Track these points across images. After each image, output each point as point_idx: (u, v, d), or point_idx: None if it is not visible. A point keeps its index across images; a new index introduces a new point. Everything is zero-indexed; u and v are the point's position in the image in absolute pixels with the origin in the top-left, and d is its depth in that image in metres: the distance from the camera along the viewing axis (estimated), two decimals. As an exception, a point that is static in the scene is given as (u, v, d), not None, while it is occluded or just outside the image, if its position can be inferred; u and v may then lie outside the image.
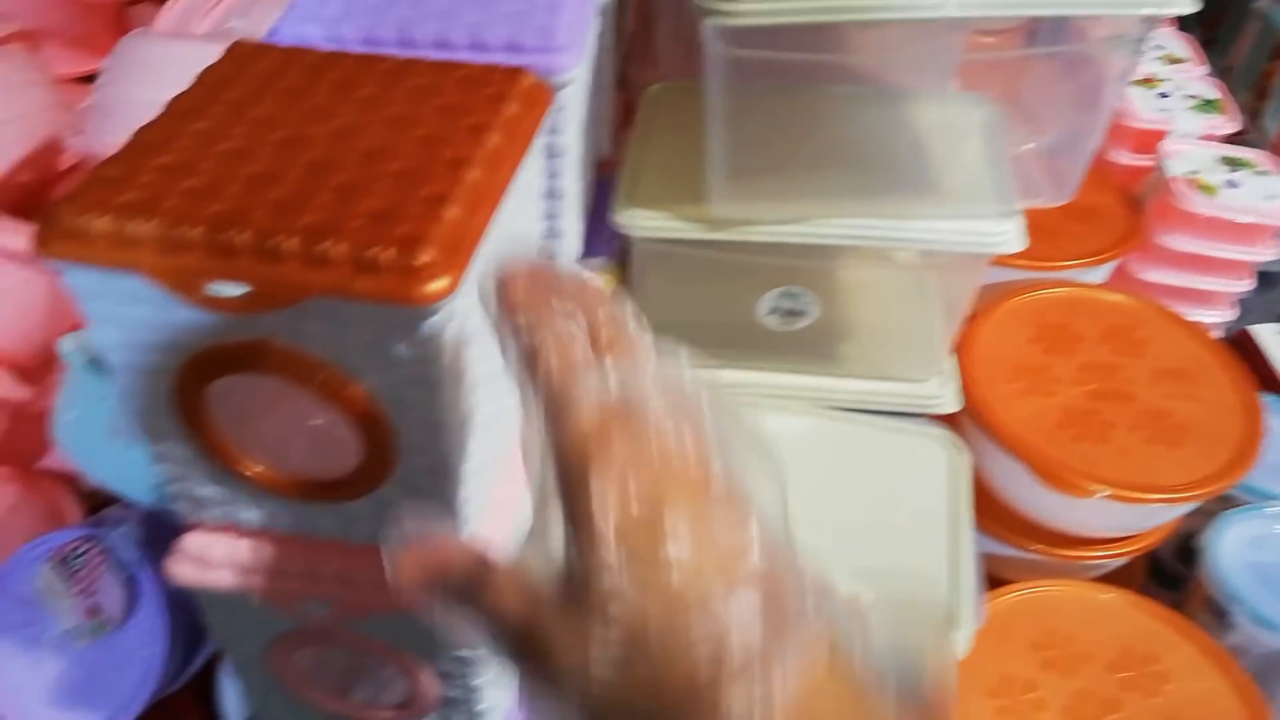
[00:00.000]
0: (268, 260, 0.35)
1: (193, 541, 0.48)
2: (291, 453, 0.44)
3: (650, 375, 0.30)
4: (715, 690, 0.26)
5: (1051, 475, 0.69)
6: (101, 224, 0.36)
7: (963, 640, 0.54)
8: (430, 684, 0.52)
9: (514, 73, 0.46)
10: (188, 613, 0.70)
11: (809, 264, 0.67)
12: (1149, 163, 1.00)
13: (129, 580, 0.67)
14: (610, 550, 0.27)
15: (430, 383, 0.39)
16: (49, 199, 1.00)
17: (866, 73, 0.75)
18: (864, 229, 0.62)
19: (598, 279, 0.44)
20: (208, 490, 0.45)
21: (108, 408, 0.70)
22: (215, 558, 0.47)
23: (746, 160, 0.63)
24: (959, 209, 0.63)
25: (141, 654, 0.67)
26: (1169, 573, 0.81)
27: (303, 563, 0.47)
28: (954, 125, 0.71)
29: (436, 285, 0.35)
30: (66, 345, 0.73)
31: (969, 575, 0.58)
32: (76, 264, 0.37)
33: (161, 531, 0.72)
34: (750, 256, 0.66)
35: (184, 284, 0.36)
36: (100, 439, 0.71)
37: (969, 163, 0.67)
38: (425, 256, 0.35)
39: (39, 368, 0.86)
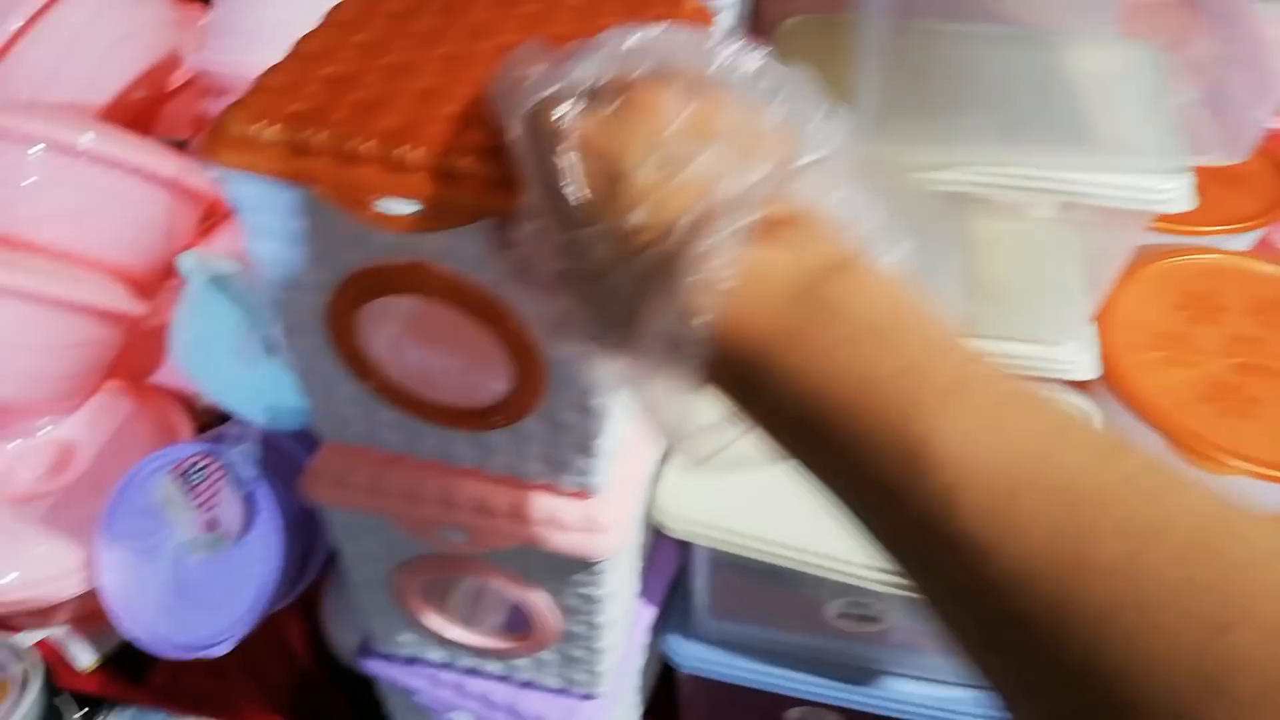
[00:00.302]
0: (444, 179, 0.34)
1: (331, 461, 0.48)
2: (437, 379, 0.43)
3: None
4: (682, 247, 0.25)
5: (1191, 449, 0.66)
6: (273, 133, 0.35)
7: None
8: (554, 618, 0.52)
9: (675, -5, 0.44)
10: (301, 532, 0.71)
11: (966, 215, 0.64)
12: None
13: (247, 497, 0.68)
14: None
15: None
16: (160, 115, 1.01)
17: (1019, 11, 0.70)
18: (1019, 178, 0.59)
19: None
20: (351, 411, 0.45)
21: (229, 327, 0.71)
22: (353, 479, 0.47)
23: (897, 100, 0.60)
24: (1120, 161, 0.59)
25: (256, 570, 0.68)
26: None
27: (441, 489, 0.46)
28: (1114, 71, 0.67)
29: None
30: (186, 262, 0.74)
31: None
32: (244, 173, 0.36)
33: (277, 452, 0.73)
34: (890, 202, 0.63)
35: (354, 199, 0.35)
36: (219, 358, 0.72)
37: (1130, 112, 0.63)
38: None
39: (153, 283, 0.87)
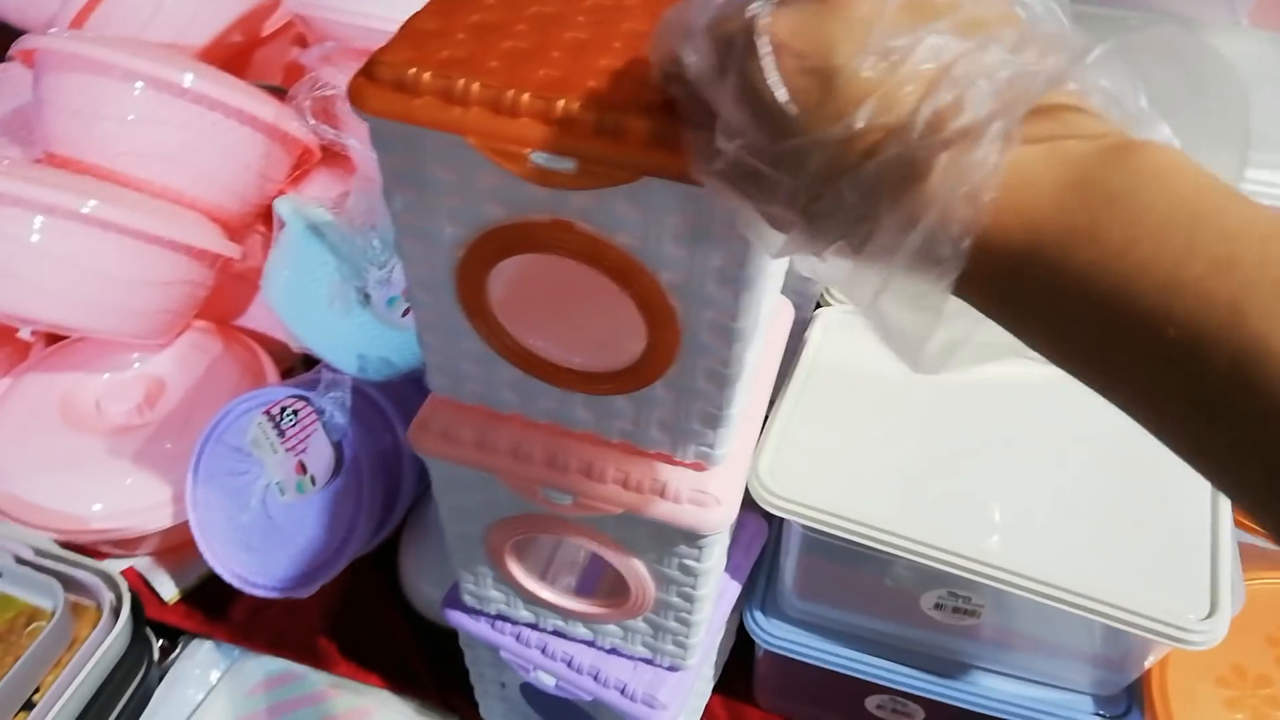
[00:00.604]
0: (605, 135, 0.32)
1: (440, 414, 0.47)
2: (563, 340, 0.42)
3: None
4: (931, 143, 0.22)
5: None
6: (426, 81, 0.34)
7: (1223, 625, 0.50)
8: (650, 587, 0.51)
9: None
10: (386, 481, 0.72)
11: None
12: None
13: (336, 444, 0.69)
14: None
15: (740, 282, 0.36)
16: (252, 60, 1.01)
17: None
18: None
19: None
20: (469, 369, 0.44)
21: (323, 275, 0.71)
22: (462, 434, 0.47)
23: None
24: (1270, 157, 0.56)
25: (344, 516, 0.69)
26: None
27: (551, 451, 0.46)
28: (1248, 64, 0.63)
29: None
30: (283, 207, 0.74)
31: (1229, 555, 0.53)
32: (396, 122, 0.35)
33: (364, 399, 0.73)
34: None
35: (509, 152, 0.33)
36: (313, 305, 0.72)
37: (1268, 106, 0.60)
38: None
39: (244, 227, 0.88)
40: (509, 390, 0.45)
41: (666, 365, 0.40)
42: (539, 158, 0.33)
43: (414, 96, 0.34)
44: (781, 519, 0.56)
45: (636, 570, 0.50)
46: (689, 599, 0.51)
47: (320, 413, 0.69)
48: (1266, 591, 0.63)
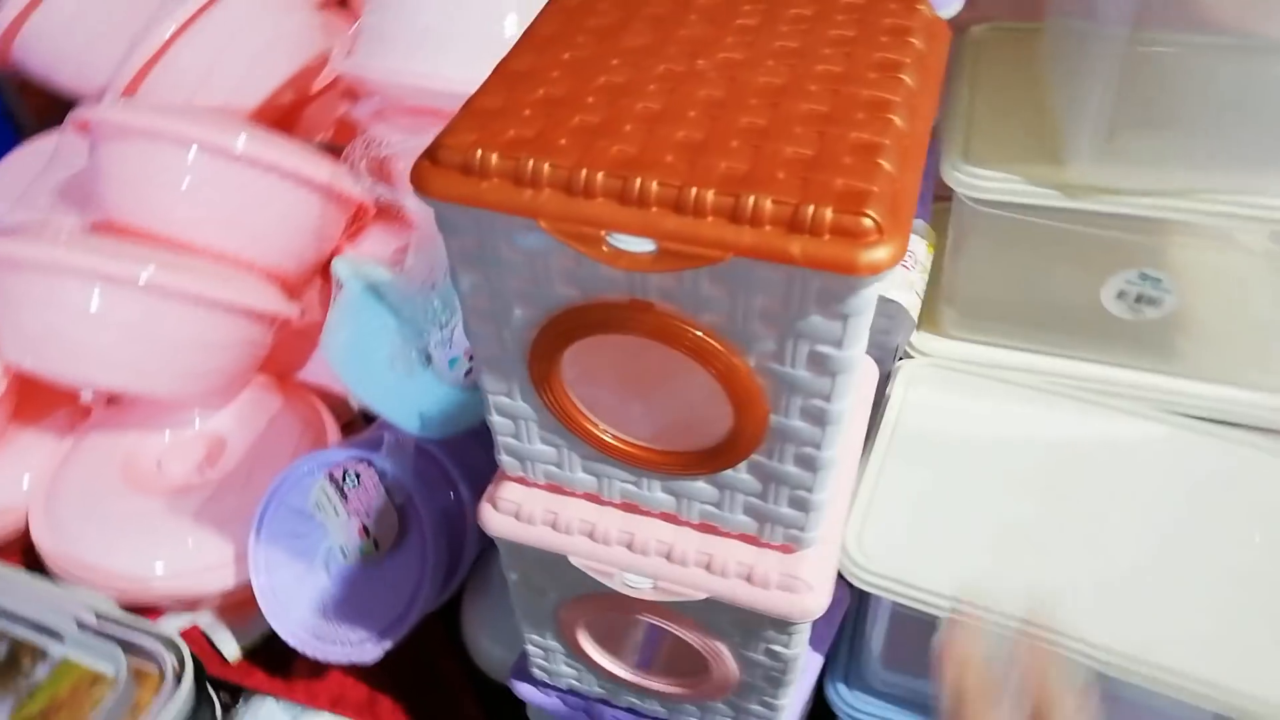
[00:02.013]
0: (687, 214, 0.30)
1: (512, 495, 0.45)
2: (638, 420, 0.40)
3: None
4: None
5: None
6: (493, 163, 0.32)
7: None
8: (733, 669, 0.48)
9: (910, 3, 0.40)
10: (450, 541, 0.70)
11: (1175, 243, 0.58)
12: None
13: (400, 508, 0.67)
14: None
15: (837, 364, 0.33)
16: (302, 116, 1.01)
17: (1242, 21, 0.63)
18: (1257, 206, 0.53)
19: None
20: (541, 448, 0.42)
21: (383, 334, 0.69)
22: (535, 515, 0.44)
23: (1121, 118, 0.54)
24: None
25: (409, 581, 0.67)
26: None
27: (629, 534, 0.43)
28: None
29: (880, 253, 0.29)
30: (341, 269, 0.72)
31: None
32: (463, 206, 0.33)
33: (426, 459, 0.71)
34: (1106, 230, 0.57)
35: (584, 235, 0.31)
36: (373, 366, 0.70)
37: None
38: (870, 217, 0.29)
39: (302, 284, 0.87)
40: (583, 471, 0.43)
41: (753, 447, 0.38)
42: (616, 240, 0.31)
43: (482, 179, 0.32)
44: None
45: (719, 653, 0.48)
46: (776, 684, 0.48)
47: (383, 475, 0.67)
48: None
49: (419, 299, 0.70)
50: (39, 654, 0.70)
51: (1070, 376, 0.62)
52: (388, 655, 0.77)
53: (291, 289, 0.85)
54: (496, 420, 0.42)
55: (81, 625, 0.68)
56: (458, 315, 0.68)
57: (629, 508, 0.44)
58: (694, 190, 0.30)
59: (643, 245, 0.31)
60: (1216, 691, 0.47)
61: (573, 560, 0.44)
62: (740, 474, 0.39)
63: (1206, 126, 0.54)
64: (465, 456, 0.75)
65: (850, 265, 0.29)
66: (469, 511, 0.72)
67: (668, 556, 0.43)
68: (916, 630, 0.58)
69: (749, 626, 0.45)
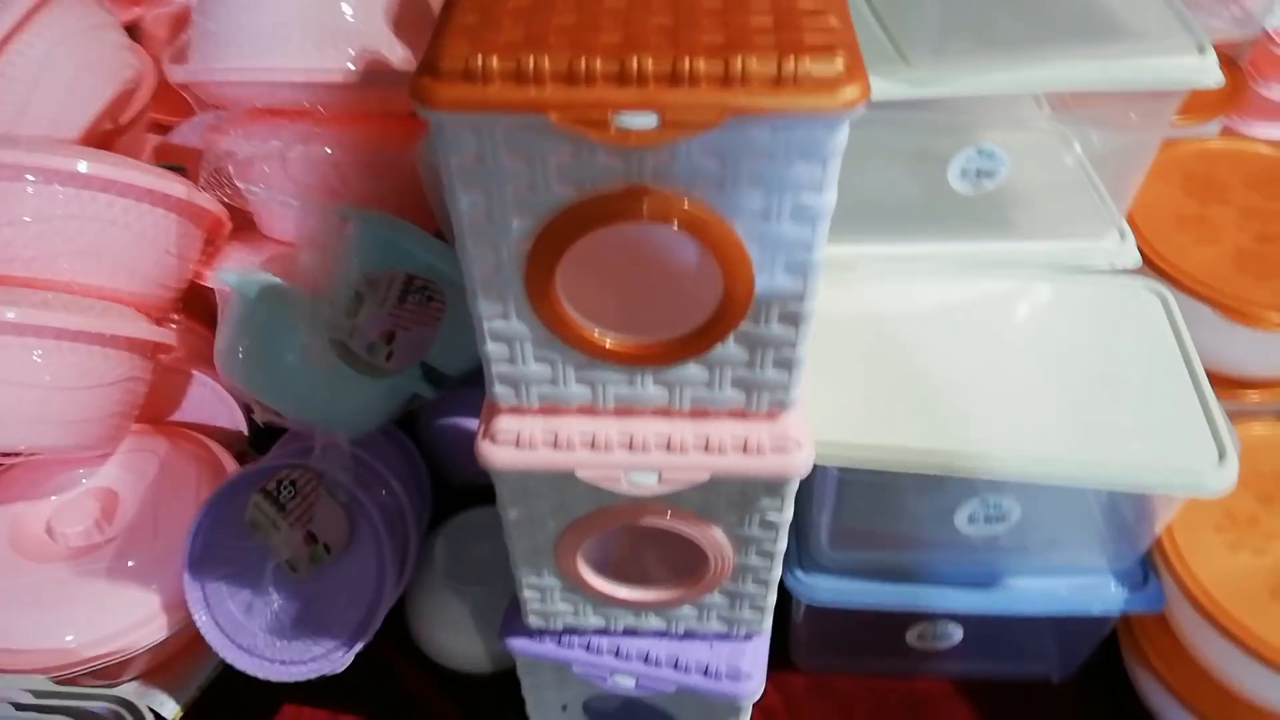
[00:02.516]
0: (683, 84, 0.34)
1: (509, 426, 0.46)
2: (626, 322, 0.43)
3: None
4: None
5: (1243, 314, 0.70)
6: (496, 66, 0.34)
7: (1234, 469, 0.55)
8: (728, 553, 0.52)
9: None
10: (396, 538, 0.69)
11: (999, 123, 0.67)
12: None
13: (346, 506, 0.66)
14: None
15: (816, 212, 0.38)
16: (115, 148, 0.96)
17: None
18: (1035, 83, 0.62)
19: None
20: (536, 368, 0.44)
21: (292, 338, 0.68)
22: (537, 439, 0.46)
23: (948, 27, 0.62)
24: (1150, 45, 0.62)
25: (368, 577, 0.66)
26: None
27: (628, 434, 0.46)
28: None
29: (852, 92, 0.34)
30: (230, 278, 0.71)
31: (1217, 405, 0.58)
32: (467, 114, 0.35)
33: (360, 463, 0.70)
34: (944, 114, 0.65)
35: (591, 119, 0.34)
36: (282, 371, 0.69)
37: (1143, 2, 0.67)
38: (840, 62, 0.34)
39: (166, 314, 0.83)
40: (577, 383, 0.45)
41: (741, 315, 0.41)
42: (622, 119, 0.34)
43: (486, 84, 0.34)
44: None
45: (715, 540, 0.51)
46: (768, 555, 0.52)
47: (321, 476, 0.66)
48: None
49: (317, 297, 0.69)
50: (-32, 750, 0.63)
51: (935, 256, 0.70)
52: (346, 676, 0.75)
53: (156, 319, 0.81)
54: (491, 348, 0.44)
55: (20, 707, 0.63)
56: (365, 305, 0.68)
57: (623, 412, 0.46)
58: (686, 61, 0.34)
59: (646, 121, 0.34)
60: (1103, 470, 0.55)
61: (579, 474, 0.47)
62: (729, 347, 0.43)
63: (1006, 24, 0.63)
64: (384, 457, 0.75)
65: (831, 106, 0.34)
66: (406, 508, 0.72)
67: (667, 447, 0.46)
68: (863, 502, 0.64)
69: (745, 500, 0.49)
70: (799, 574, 0.67)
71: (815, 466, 0.58)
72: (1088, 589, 0.66)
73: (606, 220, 0.38)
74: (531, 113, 0.34)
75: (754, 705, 0.61)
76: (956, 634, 0.71)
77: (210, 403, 0.89)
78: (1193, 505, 0.64)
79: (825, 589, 0.67)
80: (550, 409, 0.47)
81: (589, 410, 0.47)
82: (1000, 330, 0.65)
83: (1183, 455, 0.56)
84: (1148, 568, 0.67)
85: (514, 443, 0.47)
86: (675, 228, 0.38)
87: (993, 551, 0.66)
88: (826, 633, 0.74)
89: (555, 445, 0.46)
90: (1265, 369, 0.77)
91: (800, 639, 0.75)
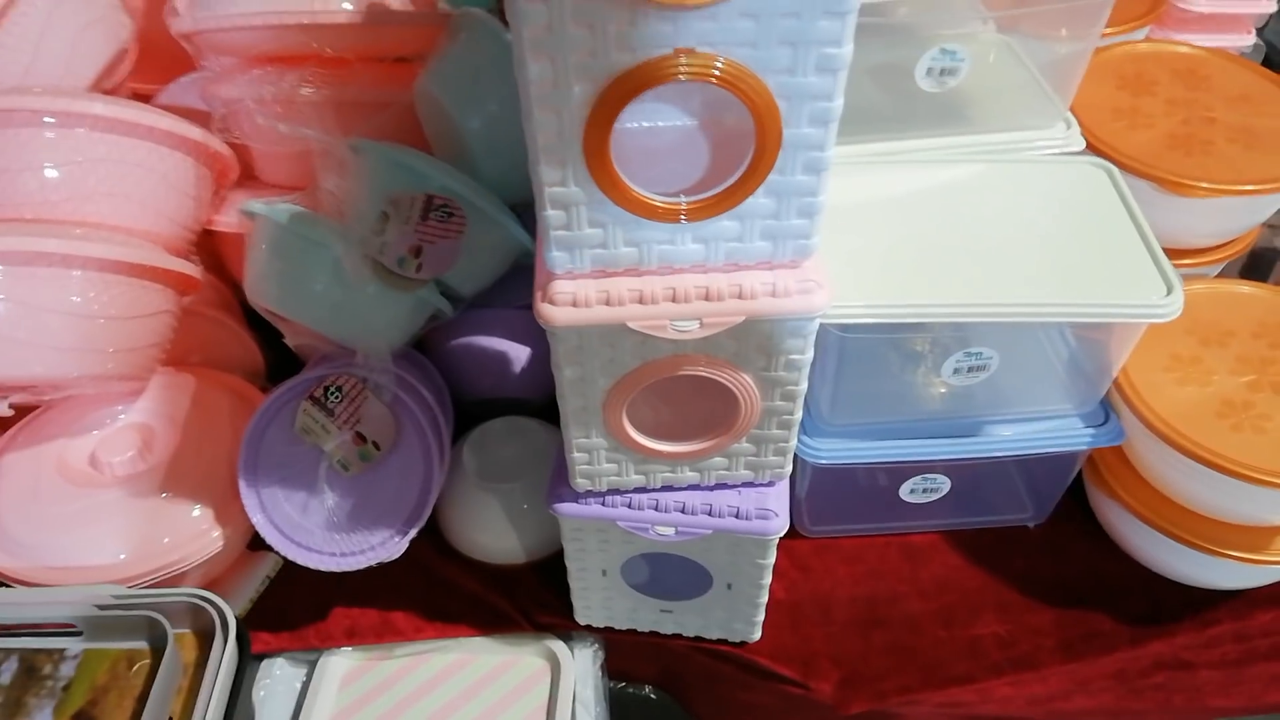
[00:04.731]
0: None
1: (565, 289, 0.53)
2: (669, 181, 0.49)
3: None
4: None
5: (1177, 186, 0.80)
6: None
7: (1180, 297, 0.64)
8: (756, 398, 0.59)
9: None
10: (438, 433, 0.75)
11: (955, 28, 0.75)
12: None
13: (390, 404, 0.71)
14: None
15: (836, 62, 0.45)
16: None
17: None
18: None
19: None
20: (590, 232, 0.50)
21: (324, 258, 0.73)
22: (591, 298, 0.52)
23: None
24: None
25: (417, 468, 0.72)
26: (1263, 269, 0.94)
27: (671, 288, 0.52)
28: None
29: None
30: (256, 206, 0.75)
31: (1165, 258, 0.67)
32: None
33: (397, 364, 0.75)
34: (908, 24, 0.73)
35: (650, -15, 0.40)
36: (315, 293, 0.73)
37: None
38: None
39: (187, 253, 0.87)
40: (624, 245, 0.52)
41: (769, 168, 0.48)
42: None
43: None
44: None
45: (746, 384, 0.58)
46: (791, 397, 0.59)
47: (364, 380, 0.71)
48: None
49: (342, 221, 0.74)
50: (56, 656, 0.68)
51: (906, 151, 0.78)
52: (386, 579, 0.80)
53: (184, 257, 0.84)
54: (550, 214, 0.50)
55: (102, 608, 0.67)
56: (391, 223, 0.73)
57: (665, 270, 0.53)
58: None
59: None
60: (1072, 308, 0.64)
61: (630, 325, 0.53)
62: (758, 200, 0.50)
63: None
64: (411, 371, 0.80)
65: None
66: (437, 411, 0.77)
67: (705, 297, 0.53)
68: (862, 364, 0.71)
69: (772, 342, 0.56)
70: (805, 439, 0.74)
71: (819, 333, 0.66)
72: (1058, 430, 0.75)
73: (658, 80, 0.44)
74: (595, -19, 0.41)
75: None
76: (945, 485, 0.80)
77: (227, 344, 0.93)
78: (1143, 351, 0.73)
79: (829, 450, 0.74)
80: (600, 272, 0.53)
81: (635, 271, 0.53)
82: (970, 207, 0.73)
83: (1138, 291, 0.65)
84: (1108, 408, 0.76)
85: (571, 303, 0.53)
86: (718, 82, 0.45)
87: (973, 403, 0.74)
88: (830, 497, 0.82)
89: (607, 303, 0.53)
90: (1199, 236, 0.87)
91: (805, 509, 0.83)
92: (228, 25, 0.81)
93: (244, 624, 0.70)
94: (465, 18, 0.80)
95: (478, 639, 0.80)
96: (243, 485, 0.72)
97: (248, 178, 0.93)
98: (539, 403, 0.89)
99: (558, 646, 0.79)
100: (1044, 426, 0.75)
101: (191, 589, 0.70)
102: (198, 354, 0.92)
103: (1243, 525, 0.75)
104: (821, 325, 0.65)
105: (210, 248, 0.96)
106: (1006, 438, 0.75)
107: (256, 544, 0.78)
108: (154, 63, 0.97)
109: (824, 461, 0.74)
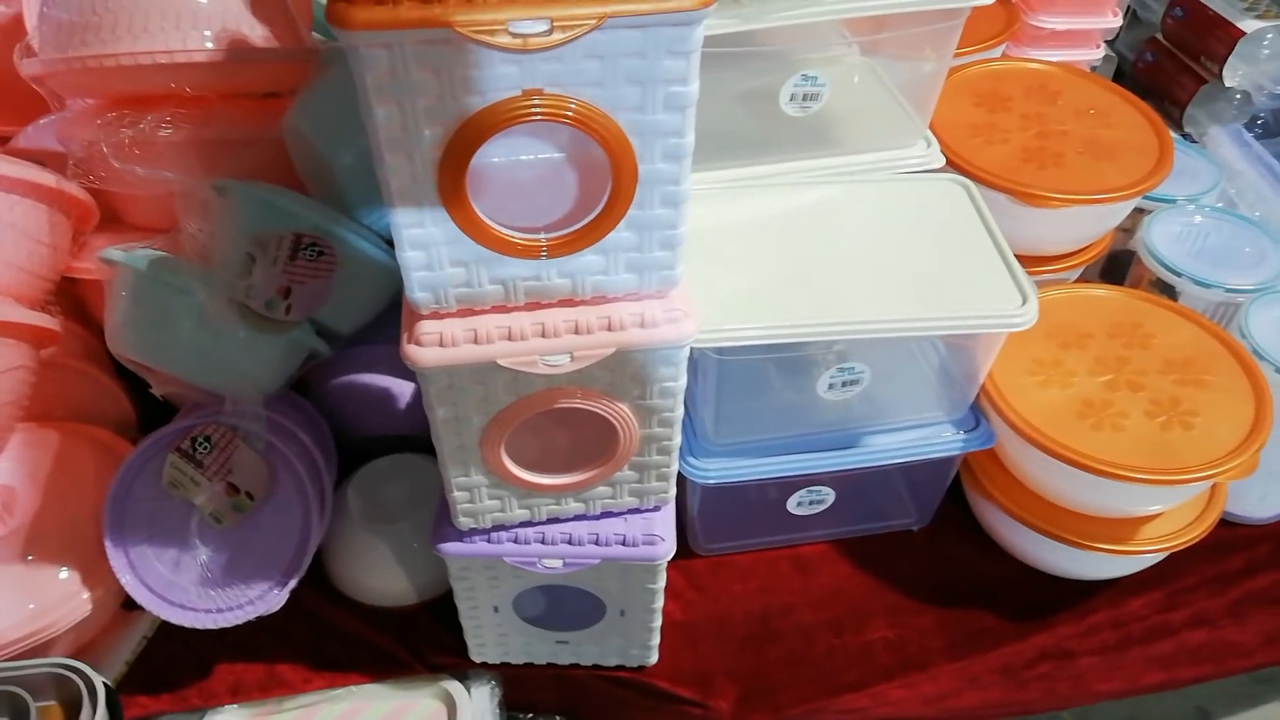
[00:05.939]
0: (567, -6, 0.40)
1: (431, 330, 0.52)
2: (530, 219, 0.49)
3: None
4: None
5: (1031, 198, 0.83)
6: (403, -13, 0.40)
7: (1035, 306, 0.67)
8: (634, 426, 0.59)
9: None
10: (316, 482, 0.73)
11: (819, 53, 0.77)
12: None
13: (263, 452, 0.69)
14: None
15: (684, 100, 0.45)
16: None
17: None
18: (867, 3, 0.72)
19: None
20: (452, 271, 0.50)
21: (187, 304, 0.70)
22: (459, 337, 0.52)
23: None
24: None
25: (295, 517, 0.70)
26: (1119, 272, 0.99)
27: (539, 324, 0.52)
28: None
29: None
30: (115, 254, 0.72)
31: (1020, 269, 0.70)
32: (380, 32, 0.40)
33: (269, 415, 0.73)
34: (773, 45, 0.74)
35: (490, 28, 0.40)
36: (179, 340, 0.71)
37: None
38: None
39: (43, 307, 0.83)
40: (490, 283, 0.51)
41: (629, 201, 0.49)
42: (515, 27, 0.41)
43: (395, 4, 0.40)
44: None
45: (623, 414, 0.58)
46: (668, 424, 0.60)
47: (234, 428, 0.69)
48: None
49: (208, 264, 0.72)
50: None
51: (773, 175, 0.80)
52: (267, 631, 0.78)
53: (40, 308, 0.80)
54: (410, 256, 0.49)
55: (-45, 685, 0.63)
56: (257, 264, 0.71)
57: (533, 306, 0.53)
58: (569, -27, 0.40)
59: (538, 26, 0.41)
60: (934, 321, 0.67)
61: (500, 361, 0.53)
62: (620, 233, 0.50)
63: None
64: (288, 416, 0.78)
65: (688, 5, 0.41)
66: (317, 456, 0.76)
67: (575, 330, 0.53)
68: (741, 385, 0.72)
69: (645, 372, 0.56)
70: (692, 460, 0.75)
71: (697, 358, 0.67)
72: (933, 437, 0.77)
73: (508, 122, 0.45)
74: (437, 27, 0.40)
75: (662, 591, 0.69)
76: (830, 496, 0.82)
77: (93, 396, 0.89)
78: (1007, 356, 0.76)
79: (716, 470, 0.75)
80: (467, 310, 0.53)
81: (502, 308, 0.53)
82: (836, 227, 0.75)
83: (995, 302, 0.68)
84: (978, 413, 0.79)
85: (438, 343, 0.52)
86: (569, 122, 0.45)
87: (851, 415, 0.76)
88: (720, 516, 0.83)
89: (475, 341, 0.52)
90: (1056, 244, 0.91)
91: (699, 528, 0.84)
92: (79, 67, 0.77)
93: (114, 691, 0.67)
94: (334, 51, 0.79)
95: (370, 685, 0.78)
96: (109, 545, 0.69)
97: (112, 221, 0.89)
98: (428, 438, 0.88)
99: (453, 687, 0.77)
100: (920, 434, 0.78)
101: (56, 659, 0.66)
102: (62, 408, 0.87)
103: (1110, 519, 0.78)
104: (698, 349, 0.67)
105: (73, 295, 0.91)
106: (885, 447, 0.77)
107: (131, 603, 0.75)
108: (11, 103, 0.92)
109: (712, 481, 0.75)
